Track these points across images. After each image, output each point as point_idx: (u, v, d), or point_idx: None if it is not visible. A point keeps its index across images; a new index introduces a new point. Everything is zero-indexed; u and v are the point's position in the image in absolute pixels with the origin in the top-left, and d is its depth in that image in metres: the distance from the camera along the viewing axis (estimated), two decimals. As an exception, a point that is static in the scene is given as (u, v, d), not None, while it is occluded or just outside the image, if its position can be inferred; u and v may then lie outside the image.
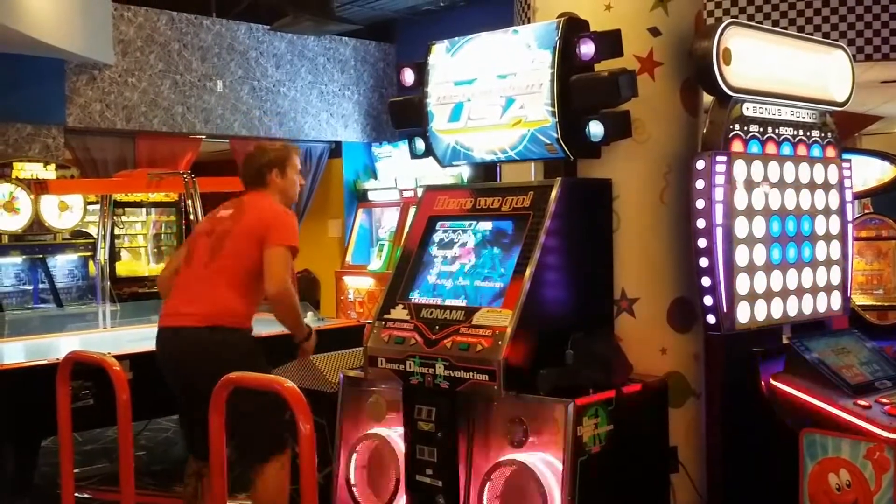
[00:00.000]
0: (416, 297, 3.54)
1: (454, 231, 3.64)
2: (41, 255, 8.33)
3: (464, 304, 3.37)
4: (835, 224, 3.88)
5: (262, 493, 3.62)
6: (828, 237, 3.84)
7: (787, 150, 3.70)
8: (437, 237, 3.67)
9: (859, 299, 5.73)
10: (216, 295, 3.65)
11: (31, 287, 8.31)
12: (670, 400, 3.50)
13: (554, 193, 3.33)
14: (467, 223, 3.61)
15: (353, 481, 3.60)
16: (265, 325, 4.33)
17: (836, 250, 3.88)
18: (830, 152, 3.90)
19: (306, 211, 10.70)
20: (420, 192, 3.91)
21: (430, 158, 3.89)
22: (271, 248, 3.65)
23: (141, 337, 5.46)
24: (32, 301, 8.25)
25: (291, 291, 3.71)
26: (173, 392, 3.75)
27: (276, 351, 4.13)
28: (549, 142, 3.42)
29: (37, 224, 8.28)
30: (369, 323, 3.61)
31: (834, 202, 3.88)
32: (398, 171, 10.40)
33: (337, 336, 5.37)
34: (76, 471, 4.47)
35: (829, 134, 3.92)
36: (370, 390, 3.59)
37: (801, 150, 3.77)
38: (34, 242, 8.30)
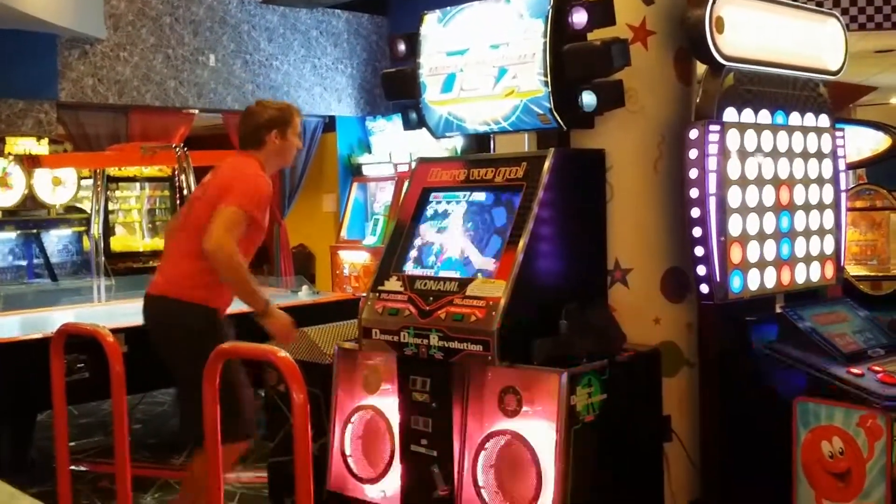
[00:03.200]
0: (410, 268, 3.54)
1: (448, 202, 3.63)
2: (35, 231, 8.33)
3: (458, 276, 3.37)
4: (828, 193, 3.88)
5: (198, 475, 3.49)
6: (821, 206, 3.84)
7: (780, 119, 3.69)
8: (430, 208, 3.66)
9: (853, 269, 5.73)
10: (176, 267, 3.66)
11: (25, 262, 8.31)
12: (664, 369, 3.52)
13: (547, 164, 3.32)
14: (461, 194, 3.60)
15: (348, 452, 3.62)
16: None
17: (829, 219, 3.88)
18: (824, 121, 3.89)
19: (300, 186, 10.67)
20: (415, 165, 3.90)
21: (425, 132, 3.88)
22: (220, 206, 3.49)
23: (136, 311, 5.41)
24: (27, 276, 8.25)
25: (229, 252, 3.47)
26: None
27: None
28: (541, 112, 3.41)
29: (30, 199, 8.25)
30: (364, 296, 3.61)
31: (827, 171, 3.87)
32: (392, 145, 10.37)
33: (332, 309, 5.39)
34: (72, 444, 4.49)
35: (823, 103, 3.91)
36: (365, 362, 3.60)
37: (795, 119, 3.76)
38: (28, 218, 8.29)
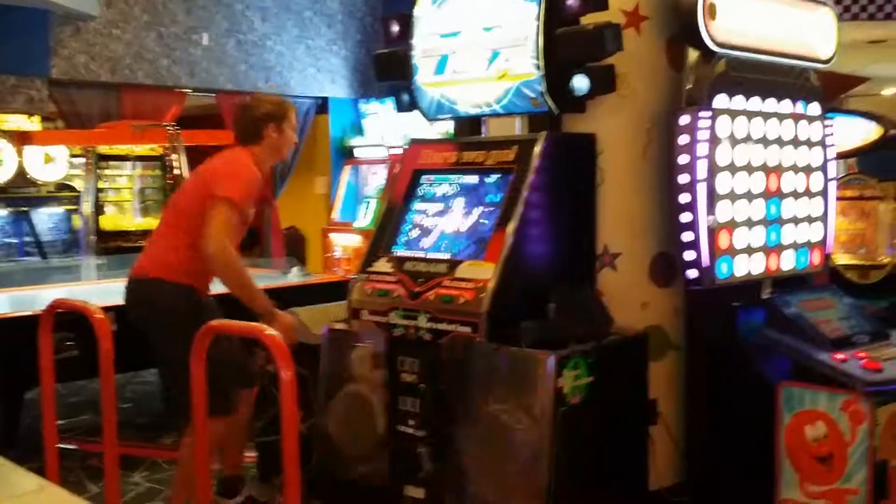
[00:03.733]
0: (400, 249, 3.55)
1: (438, 184, 3.64)
2: (25, 208, 8.30)
3: (447, 257, 3.38)
4: (817, 181, 3.90)
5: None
6: (809, 194, 3.86)
7: (770, 106, 3.70)
8: (421, 190, 3.68)
9: (842, 258, 5.77)
10: (158, 249, 3.68)
11: (15, 240, 8.28)
12: (651, 353, 3.54)
13: (538, 148, 3.33)
14: (452, 177, 3.61)
15: (334, 432, 3.64)
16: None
17: (817, 207, 3.90)
18: (814, 110, 3.91)
19: (293, 168, 10.64)
20: (407, 148, 3.90)
21: (418, 115, 3.88)
22: (210, 201, 3.45)
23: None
24: (17, 254, 8.22)
25: (229, 252, 3.45)
26: None
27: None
28: (533, 95, 3.42)
29: (21, 177, 8.21)
30: (354, 277, 3.62)
31: (817, 160, 3.89)
32: (385, 129, 10.34)
33: (322, 291, 5.38)
34: (61, 422, 4.49)
35: (814, 92, 3.92)
36: (354, 343, 3.62)
37: (785, 107, 3.77)
38: (18, 195, 8.26)
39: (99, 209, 9.14)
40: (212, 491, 3.50)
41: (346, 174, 10.65)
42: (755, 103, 3.63)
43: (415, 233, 3.57)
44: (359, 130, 10.96)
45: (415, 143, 3.87)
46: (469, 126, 3.89)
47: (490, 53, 3.50)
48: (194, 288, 3.64)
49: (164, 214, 3.88)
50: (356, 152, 10.73)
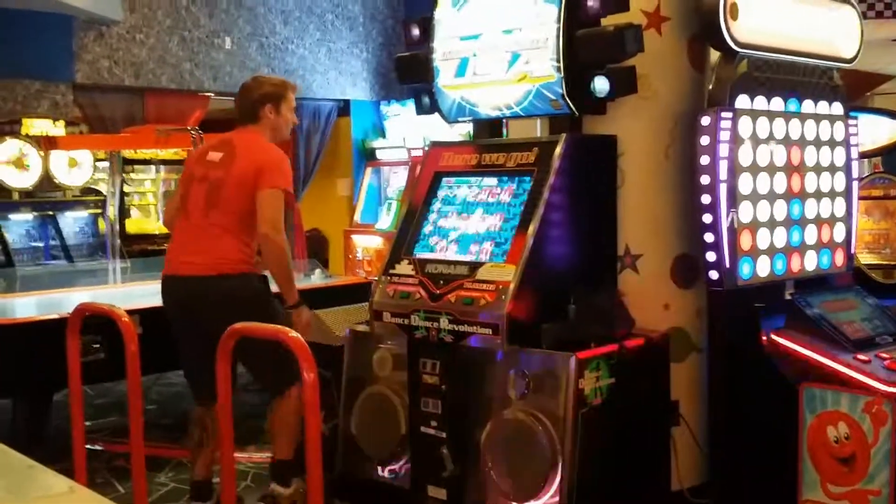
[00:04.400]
0: (421, 252, 3.57)
1: (459, 186, 3.66)
2: (51, 212, 8.37)
3: (468, 260, 3.40)
4: (840, 181, 3.88)
5: (278, 421, 3.74)
6: (832, 194, 3.84)
7: (793, 106, 3.69)
8: (442, 193, 3.69)
9: (866, 258, 5.72)
10: (218, 245, 3.66)
11: (41, 244, 8.36)
12: (672, 355, 3.54)
13: (559, 150, 3.34)
14: (472, 179, 3.62)
15: (357, 433, 3.67)
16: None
17: (840, 207, 3.88)
18: (837, 109, 3.89)
19: (315, 170, 10.69)
20: (428, 150, 3.92)
21: (439, 117, 3.90)
22: (263, 190, 3.62)
23: (151, 293, 5.48)
24: (43, 257, 8.30)
25: (282, 235, 3.66)
26: (176, 338, 3.79)
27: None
28: (554, 97, 3.42)
29: (47, 181, 8.29)
30: (376, 279, 3.64)
31: (840, 159, 3.87)
32: (407, 130, 10.36)
33: (345, 293, 5.41)
34: (88, 424, 4.55)
35: (837, 91, 3.90)
36: (376, 345, 3.64)
37: (808, 107, 3.76)
38: (44, 199, 8.33)
39: (124, 213, 9.22)
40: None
41: (368, 176, 10.70)
42: (777, 103, 3.62)
43: (436, 235, 3.59)
44: (380, 132, 11.00)
45: (435, 145, 3.88)
46: (489, 128, 3.91)
47: (510, 56, 3.51)
48: (255, 273, 3.79)
49: (200, 210, 3.76)
50: (378, 154, 10.77)
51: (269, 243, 3.63)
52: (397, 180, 10.37)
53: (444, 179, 3.71)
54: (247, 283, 3.72)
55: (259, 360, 3.64)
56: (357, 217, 10.51)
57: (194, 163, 3.94)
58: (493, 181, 3.56)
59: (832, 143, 3.83)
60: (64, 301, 5.11)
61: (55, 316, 4.55)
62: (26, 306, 5.55)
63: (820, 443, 3.17)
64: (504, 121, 3.84)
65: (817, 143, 3.76)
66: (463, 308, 3.24)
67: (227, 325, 2.97)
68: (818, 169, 3.77)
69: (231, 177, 3.68)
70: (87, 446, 3.87)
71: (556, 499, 3.07)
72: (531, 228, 3.25)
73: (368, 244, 10.01)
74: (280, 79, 4.00)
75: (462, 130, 8.07)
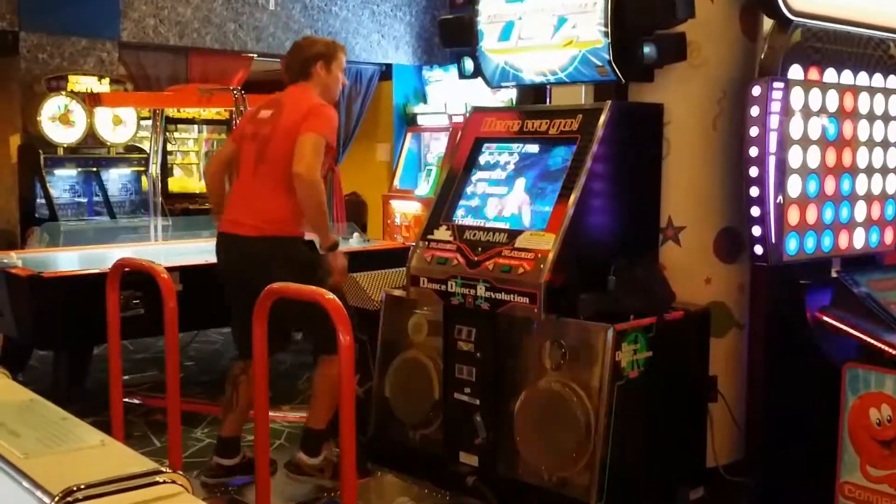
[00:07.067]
0: (460, 218, 3.54)
1: (500, 153, 3.61)
2: (95, 169, 8.45)
3: (507, 227, 3.36)
4: (893, 157, 3.76)
5: (321, 380, 3.67)
6: (884, 170, 3.73)
7: (847, 78, 3.57)
8: (482, 159, 3.65)
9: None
10: (265, 204, 3.65)
11: (85, 200, 8.44)
12: (712, 329, 3.49)
13: (603, 117, 3.28)
14: (514, 145, 3.57)
15: (391, 397, 3.67)
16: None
17: (892, 184, 3.77)
18: (893, 83, 3.76)
19: (355, 134, 10.68)
20: (470, 115, 3.87)
21: (481, 83, 3.84)
22: (305, 133, 3.55)
23: (191, 251, 5.56)
24: (87, 213, 8.40)
25: (318, 177, 3.55)
26: (227, 295, 3.79)
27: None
28: (600, 63, 3.35)
29: (91, 138, 8.37)
30: (414, 244, 3.62)
31: (894, 134, 3.75)
32: (448, 96, 10.30)
33: (382, 257, 5.41)
34: (127, 378, 4.61)
35: (893, 63, 3.78)
36: (412, 310, 3.63)
37: (863, 80, 3.64)
38: (88, 155, 8.40)
39: (166, 171, 9.29)
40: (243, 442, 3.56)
41: (408, 141, 10.66)
42: (831, 75, 3.51)
43: (475, 202, 3.55)
44: (422, 98, 10.94)
45: (477, 110, 3.83)
46: (532, 94, 3.85)
47: (556, 20, 3.44)
48: (302, 235, 3.77)
49: (249, 168, 3.75)
50: (419, 120, 10.72)
51: (304, 184, 3.52)
52: (437, 146, 10.32)
53: (486, 145, 3.66)
54: (291, 245, 3.68)
55: (311, 318, 3.51)
56: (396, 182, 10.50)
57: (246, 122, 3.95)
58: (534, 148, 3.51)
59: (886, 118, 3.71)
60: (106, 256, 5.16)
61: (97, 270, 4.60)
62: (69, 261, 5.63)
63: (861, 425, 3.11)
64: (548, 87, 3.78)
65: (871, 116, 3.65)
66: (500, 276, 3.21)
67: (267, 285, 2.98)
68: (871, 144, 3.66)
69: (279, 129, 3.66)
70: (126, 400, 3.91)
71: (588, 470, 3.05)
72: (572, 197, 3.20)
73: (407, 210, 10.00)
74: (330, 39, 4.01)
75: (504, 97, 7.99)
